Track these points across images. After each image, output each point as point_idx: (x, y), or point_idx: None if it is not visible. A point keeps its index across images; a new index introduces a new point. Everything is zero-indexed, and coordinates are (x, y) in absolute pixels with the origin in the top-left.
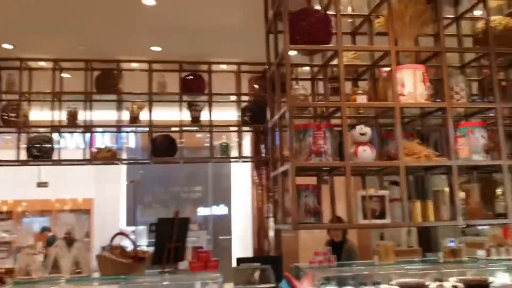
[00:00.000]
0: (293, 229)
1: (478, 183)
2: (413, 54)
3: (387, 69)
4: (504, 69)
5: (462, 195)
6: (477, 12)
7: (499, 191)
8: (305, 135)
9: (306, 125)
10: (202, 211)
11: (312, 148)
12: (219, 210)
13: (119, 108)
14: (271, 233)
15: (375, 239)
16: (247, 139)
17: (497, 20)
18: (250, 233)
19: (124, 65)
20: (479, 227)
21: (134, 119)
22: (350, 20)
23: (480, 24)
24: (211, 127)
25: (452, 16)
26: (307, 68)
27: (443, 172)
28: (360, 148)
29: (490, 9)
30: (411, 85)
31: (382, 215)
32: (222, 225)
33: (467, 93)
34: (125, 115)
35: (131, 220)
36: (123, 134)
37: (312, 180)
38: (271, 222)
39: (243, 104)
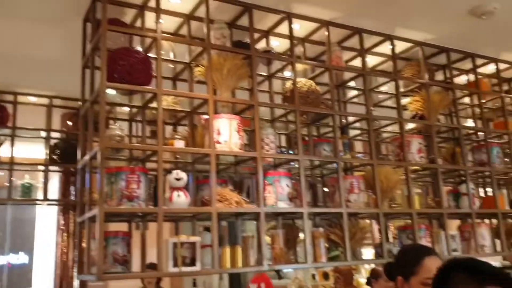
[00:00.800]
0: (98, 279)
1: (283, 229)
2: (230, 105)
3: (206, 116)
4: (307, 126)
5: (268, 240)
6: (287, 73)
7: (300, 236)
8: (118, 178)
9: (119, 167)
10: None
11: (124, 193)
12: (18, 258)
13: None
14: (76, 283)
15: (188, 285)
16: (55, 180)
17: (302, 81)
18: (53, 284)
19: None
20: (284, 270)
21: None
22: (171, 66)
23: (288, 84)
24: (12, 164)
25: (265, 74)
26: (126, 108)
27: (253, 218)
28: (175, 193)
29: (297, 71)
30: (227, 133)
31: (192, 262)
32: (21, 275)
33: (276, 145)
34: None
35: None
36: None
37: (123, 226)
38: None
39: (53, 141)
